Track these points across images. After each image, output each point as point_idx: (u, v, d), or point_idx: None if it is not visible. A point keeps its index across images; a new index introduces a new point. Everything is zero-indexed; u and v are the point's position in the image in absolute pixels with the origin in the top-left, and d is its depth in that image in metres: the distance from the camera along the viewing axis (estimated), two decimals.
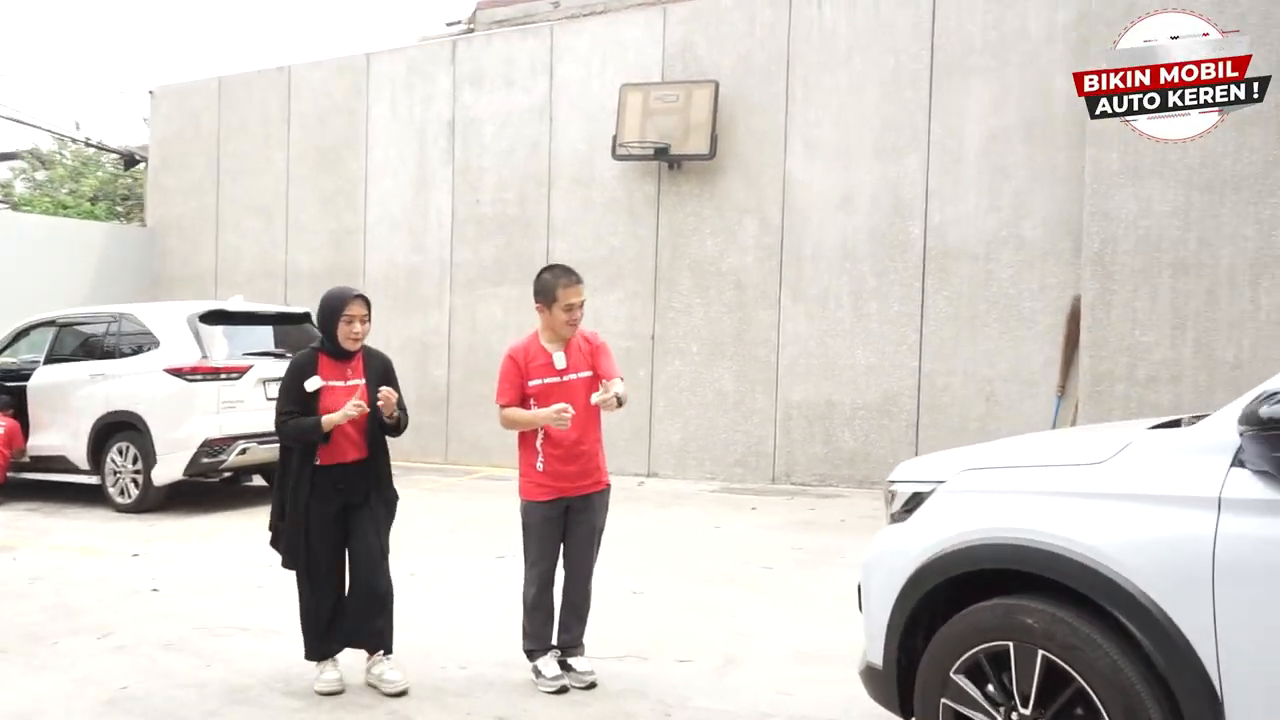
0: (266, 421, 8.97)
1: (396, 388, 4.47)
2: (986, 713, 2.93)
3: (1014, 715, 2.86)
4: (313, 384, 4.33)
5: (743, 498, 9.45)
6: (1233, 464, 2.55)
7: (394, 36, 35.70)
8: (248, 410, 8.88)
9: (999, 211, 9.38)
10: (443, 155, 12.24)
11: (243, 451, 8.81)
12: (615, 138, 10.71)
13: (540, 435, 4.33)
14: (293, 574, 4.49)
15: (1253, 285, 8.07)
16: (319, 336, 4.55)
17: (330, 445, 4.34)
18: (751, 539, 7.58)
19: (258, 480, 10.29)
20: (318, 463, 4.35)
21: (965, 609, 3.00)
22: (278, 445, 4.46)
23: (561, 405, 4.19)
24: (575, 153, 11.40)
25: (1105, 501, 2.74)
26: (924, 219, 9.66)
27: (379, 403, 4.33)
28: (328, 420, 4.25)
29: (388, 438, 4.54)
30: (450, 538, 7.75)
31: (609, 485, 4.56)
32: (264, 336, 9.47)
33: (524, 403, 4.35)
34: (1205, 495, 2.56)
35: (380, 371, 4.53)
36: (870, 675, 3.32)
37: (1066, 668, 2.73)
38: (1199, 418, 3.16)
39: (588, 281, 11.05)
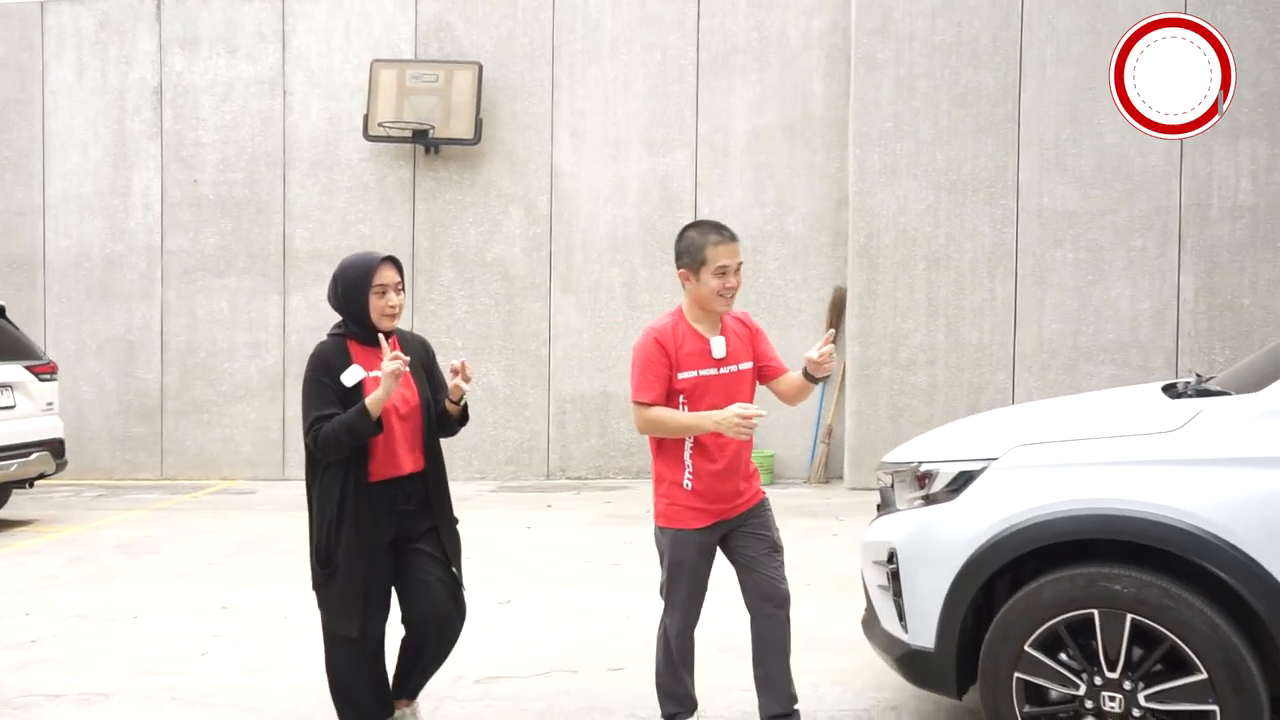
0: None
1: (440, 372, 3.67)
2: (1067, 681, 2.99)
3: (1097, 680, 2.95)
4: (353, 375, 3.34)
5: (529, 495, 9.14)
6: None
7: None
8: None
9: (764, 206, 9.80)
10: (148, 127, 10.69)
11: None
12: (367, 117, 9.93)
13: (689, 445, 3.40)
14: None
15: (990, 276, 9.07)
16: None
17: (381, 456, 3.37)
18: (573, 537, 7.34)
19: None
20: (368, 480, 3.36)
21: (1033, 583, 3.04)
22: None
23: (744, 406, 3.26)
24: (316, 131, 10.41)
25: (1190, 468, 2.89)
26: (694, 212, 9.86)
27: (458, 380, 3.44)
28: (374, 400, 3.24)
29: (442, 440, 3.59)
30: (234, 564, 6.77)
31: (766, 496, 3.63)
32: None
33: (670, 400, 3.40)
34: None
35: (421, 354, 3.61)
36: (916, 660, 3.27)
37: (1160, 629, 2.85)
38: (1203, 380, 3.45)
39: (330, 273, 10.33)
